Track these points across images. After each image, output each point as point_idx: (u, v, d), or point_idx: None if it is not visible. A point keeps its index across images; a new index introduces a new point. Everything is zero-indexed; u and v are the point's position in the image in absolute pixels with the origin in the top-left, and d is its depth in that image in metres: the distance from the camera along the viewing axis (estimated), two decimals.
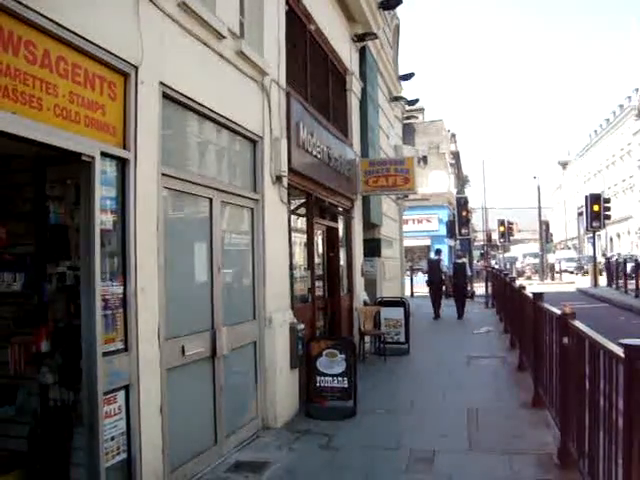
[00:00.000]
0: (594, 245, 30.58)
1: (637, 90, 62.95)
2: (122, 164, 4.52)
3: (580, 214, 32.89)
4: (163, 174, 5.00)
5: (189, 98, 5.46)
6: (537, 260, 45.83)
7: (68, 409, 4.46)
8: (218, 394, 5.91)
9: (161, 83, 4.96)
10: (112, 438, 4.31)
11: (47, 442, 4.56)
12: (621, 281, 25.77)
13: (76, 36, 3.94)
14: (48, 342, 4.52)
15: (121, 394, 4.44)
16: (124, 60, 4.46)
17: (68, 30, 3.86)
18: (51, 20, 3.71)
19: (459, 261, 21.31)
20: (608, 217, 29.92)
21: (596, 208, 29.12)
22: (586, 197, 30.58)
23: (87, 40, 4.03)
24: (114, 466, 4.34)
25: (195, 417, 5.63)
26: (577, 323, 5.05)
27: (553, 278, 41.64)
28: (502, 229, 39.53)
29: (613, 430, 3.77)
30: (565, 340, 5.36)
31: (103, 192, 4.28)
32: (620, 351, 3.53)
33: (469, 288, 26.68)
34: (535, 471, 5.40)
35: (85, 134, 4.11)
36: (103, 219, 4.27)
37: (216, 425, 5.90)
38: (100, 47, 4.17)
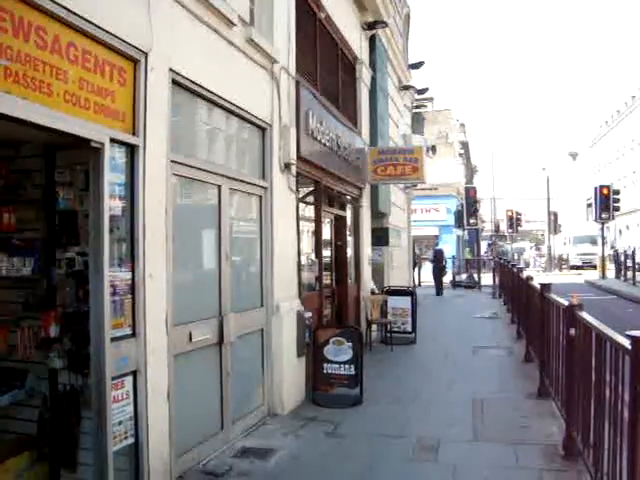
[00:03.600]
0: (602, 237, 30.44)
1: None
2: (131, 150, 4.53)
3: (589, 205, 32.67)
4: (172, 161, 5.01)
5: (198, 85, 5.46)
6: (590, 249, 42.93)
7: (77, 394, 4.49)
8: (225, 381, 5.94)
9: (171, 70, 4.96)
10: (120, 423, 4.35)
11: (56, 426, 4.60)
12: (629, 273, 25.71)
13: (86, 22, 3.94)
14: (57, 327, 4.54)
15: (129, 379, 4.47)
16: (134, 46, 4.46)
17: (78, 16, 3.86)
18: (61, 6, 3.71)
19: (437, 248, 26.85)
20: (617, 209, 29.77)
21: (605, 199, 29.02)
22: (595, 188, 30.40)
23: (97, 26, 4.04)
24: (121, 450, 4.38)
25: (202, 403, 5.67)
26: (584, 314, 5.05)
27: (561, 269, 41.53)
28: (510, 215, 39.39)
29: (618, 421, 3.78)
30: (572, 331, 5.36)
31: (112, 178, 4.29)
32: (627, 342, 3.53)
33: (475, 278, 26.79)
34: (540, 461, 5.42)
35: (94, 120, 4.11)
36: (112, 205, 4.29)
37: (223, 411, 5.94)
38: (110, 33, 4.18)
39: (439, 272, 24.11)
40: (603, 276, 29.45)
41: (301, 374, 7.63)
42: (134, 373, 4.52)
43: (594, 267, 34.99)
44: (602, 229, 30.46)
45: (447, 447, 5.87)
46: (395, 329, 11.94)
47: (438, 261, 24.54)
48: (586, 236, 46.44)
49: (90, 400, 4.25)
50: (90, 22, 3.97)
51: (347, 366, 7.52)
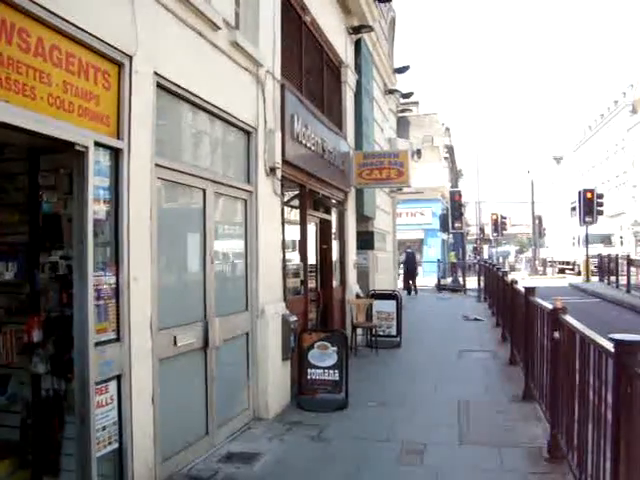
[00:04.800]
0: (587, 240, 30.66)
1: (632, 86, 63.09)
2: (116, 154, 4.51)
3: (573, 209, 32.94)
4: (157, 164, 4.99)
5: (183, 88, 5.44)
6: (602, 250, 33.78)
7: (60, 399, 4.47)
8: (210, 385, 5.92)
9: (155, 73, 4.94)
10: (104, 428, 4.32)
11: (38, 432, 4.56)
12: (613, 277, 25.90)
13: (70, 25, 3.92)
14: (40, 331, 4.51)
15: (113, 384, 4.44)
16: (118, 50, 4.44)
17: (62, 19, 3.84)
18: (45, 8, 3.69)
19: (409, 251, 27.62)
20: (601, 212, 30.03)
21: (589, 203, 29.27)
22: (579, 192, 30.65)
23: (81, 29, 4.01)
24: (105, 456, 4.34)
25: (187, 408, 5.64)
26: (568, 318, 5.08)
27: (545, 273, 41.75)
28: (495, 218, 39.63)
29: (602, 424, 3.81)
30: (556, 334, 5.39)
31: (96, 182, 4.27)
32: (610, 346, 3.56)
33: (461, 281, 26.96)
34: (524, 464, 5.44)
35: (79, 124, 4.09)
36: (96, 209, 4.26)
37: (208, 416, 5.92)
38: (94, 36, 4.16)
39: (410, 274, 25.96)
40: (587, 279, 29.66)
41: (286, 378, 7.62)
42: (118, 378, 4.49)
43: (609, 274, 28.03)
44: (586, 232, 30.66)
45: (432, 450, 5.87)
46: (380, 333, 11.94)
47: (409, 264, 26.11)
48: (597, 235, 38.70)
49: (73, 405, 4.21)
50: (74, 25, 3.94)
51: (331, 371, 7.52)
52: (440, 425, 6.66)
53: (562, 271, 40.73)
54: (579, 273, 29.78)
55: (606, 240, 39.42)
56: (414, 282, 26.05)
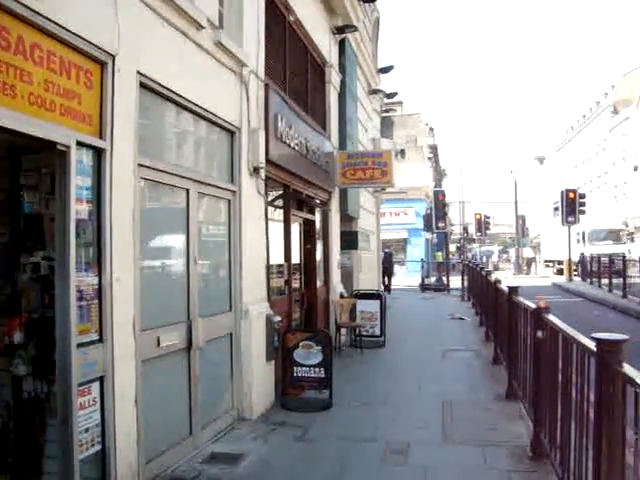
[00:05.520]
0: (569, 240, 30.89)
1: (613, 87, 63.66)
2: (98, 154, 4.47)
3: (556, 209, 33.20)
4: (140, 164, 4.96)
5: (167, 88, 5.41)
6: (613, 248, 29.42)
7: (41, 401, 4.42)
8: (194, 386, 5.89)
9: (138, 72, 4.91)
10: (86, 430, 4.28)
11: (19, 435, 4.52)
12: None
13: (51, 23, 3.88)
14: (21, 333, 4.47)
15: (95, 385, 4.41)
16: (101, 48, 4.41)
17: (43, 17, 3.80)
18: (25, 6, 3.65)
19: (386, 250, 28.19)
20: (583, 212, 30.30)
21: (571, 203, 29.53)
22: (562, 192, 30.93)
23: (63, 27, 3.98)
24: (88, 458, 4.31)
25: (170, 409, 5.61)
26: (551, 317, 5.11)
27: (529, 272, 42.01)
28: (478, 218, 39.81)
29: (584, 422, 3.84)
30: (539, 333, 5.42)
31: (79, 182, 4.24)
32: (592, 345, 3.58)
33: (444, 281, 27.07)
34: (508, 462, 5.47)
35: (60, 123, 4.06)
36: (78, 209, 4.23)
37: (191, 417, 5.89)
38: (76, 35, 4.12)
39: (387, 273, 26.25)
40: (570, 279, 29.90)
41: (270, 378, 7.61)
42: (101, 379, 4.46)
43: (592, 273, 27.43)
44: (569, 232, 30.89)
45: (417, 450, 5.89)
46: (364, 332, 11.95)
47: (386, 263, 26.25)
48: (606, 231, 35.27)
49: (55, 407, 4.18)
50: (56, 23, 3.91)
51: (317, 369, 7.52)
52: (424, 424, 6.67)
53: (561, 272, 35.09)
54: (589, 275, 28.30)
55: (614, 236, 34.89)
56: (389, 281, 26.71)
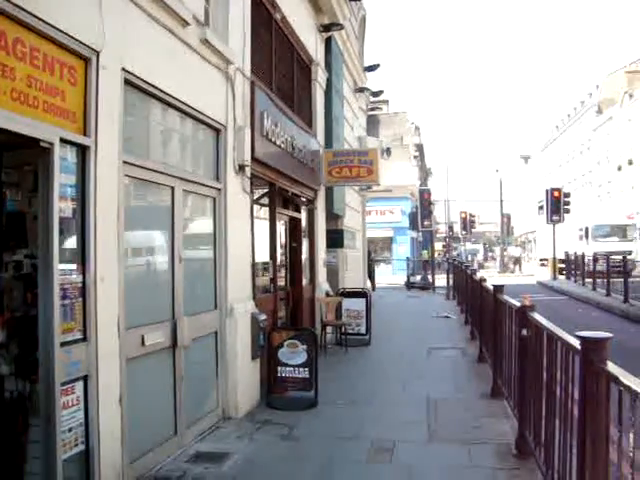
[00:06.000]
0: (554, 238, 31.06)
1: (597, 87, 64.12)
2: (82, 151, 4.43)
3: (541, 207, 33.37)
4: (124, 162, 4.92)
5: (152, 85, 5.37)
6: (619, 246, 28.51)
7: (24, 400, 4.37)
8: (179, 384, 5.86)
9: (123, 69, 4.87)
10: (70, 429, 4.25)
11: (1, 434, 4.47)
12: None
13: (34, 18, 3.83)
14: (4, 332, 4.41)
15: (79, 384, 4.37)
16: (85, 44, 4.36)
17: (26, 11, 3.75)
18: (7, 0, 3.60)
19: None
20: (568, 211, 30.49)
21: (556, 201, 29.72)
22: (546, 191, 31.11)
23: (46, 22, 3.93)
24: (71, 458, 4.27)
25: (155, 408, 5.58)
26: (536, 315, 5.13)
27: (513, 271, 42.22)
28: (463, 216, 39.96)
29: (568, 419, 3.86)
30: (524, 332, 5.44)
31: (62, 179, 4.20)
32: (577, 343, 3.60)
33: (430, 279, 27.16)
34: (493, 461, 5.48)
35: (44, 120, 4.02)
36: (62, 207, 4.19)
37: (176, 416, 5.86)
38: (60, 30, 4.07)
39: (372, 272, 25.98)
40: (555, 277, 30.08)
41: (256, 377, 7.59)
42: (85, 378, 4.42)
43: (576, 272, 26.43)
44: (553, 230, 31.07)
45: (402, 448, 5.89)
46: (350, 331, 11.97)
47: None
48: (611, 226, 32.61)
49: (39, 407, 4.14)
50: (38, 18, 3.86)
51: (301, 369, 7.51)
52: (409, 423, 6.68)
53: (561, 272, 30.98)
54: (573, 274, 27.56)
55: (620, 232, 32.42)
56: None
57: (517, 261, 44.39)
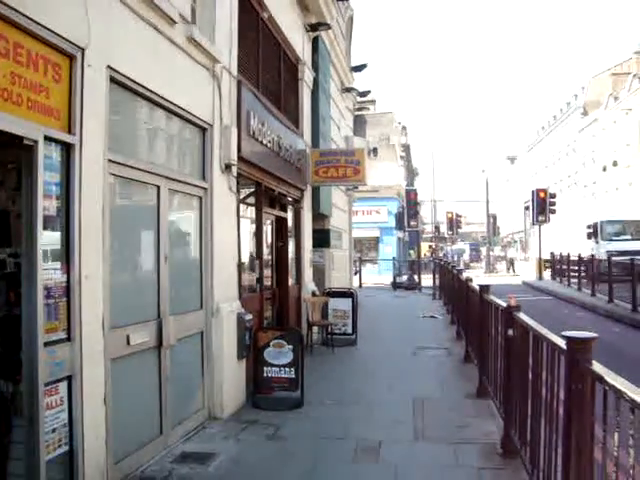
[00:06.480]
0: (540, 239, 31.24)
1: (583, 89, 64.54)
2: (67, 149, 4.40)
3: (527, 208, 33.53)
4: (110, 160, 4.88)
5: (138, 84, 5.34)
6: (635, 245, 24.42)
7: (6, 401, 4.33)
8: (164, 384, 5.83)
9: (109, 67, 4.84)
10: (53, 430, 4.21)
11: None
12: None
13: (18, 14, 3.79)
14: None
15: (63, 385, 4.33)
16: (70, 41, 4.32)
17: (9, 7, 3.70)
18: None
19: None
20: (553, 211, 30.67)
21: (542, 202, 29.89)
22: (532, 191, 31.28)
23: (30, 19, 3.89)
24: (55, 459, 4.24)
25: (140, 408, 5.55)
26: (522, 315, 5.15)
27: (509, 270, 42.51)
28: (450, 217, 40.04)
29: (554, 419, 3.87)
30: (510, 332, 5.45)
31: (46, 177, 4.16)
32: (562, 343, 3.61)
33: (416, 279, 27.22)
34: (479, 460, 5.50)
35: (28, 117, 3.98)
36: (46, 205, 4.15)
37: (162, 416, 5.83)
38: (44, 27, 4.03)
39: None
40: (540, 277, 30.25)
41: (242, 377, 7.57)
42: (69, 378, 4.38)
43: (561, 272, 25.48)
44: (539, 231, 31.24)
45: (388, 448, 5.89)
46: (336, 331, 11.98)
47: None
48: (625, 222, 28.50)
49: (22, 408, 4.10)
50: (22, 14, 3.81)
51: (287, 369, 7.49)
52: (395, 423, 6.69)
53: (562, 273, 27.51)
54: (558, 274, 26.56)
55: (635, 230, 28.13)
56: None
57: (511, 262, 44.57)
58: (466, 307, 10.42)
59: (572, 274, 25.00)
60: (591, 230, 28.66)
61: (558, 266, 28.80)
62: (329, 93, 14.90)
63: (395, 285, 27.86)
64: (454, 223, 40.01)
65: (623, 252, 21.62)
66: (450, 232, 42.70)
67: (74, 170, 4.41)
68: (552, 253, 30.58)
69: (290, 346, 7.53)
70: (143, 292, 5.71)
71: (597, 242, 27.67)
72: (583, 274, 23.07)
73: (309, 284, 12.37)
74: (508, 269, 42.91)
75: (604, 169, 56.89)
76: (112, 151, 4.94)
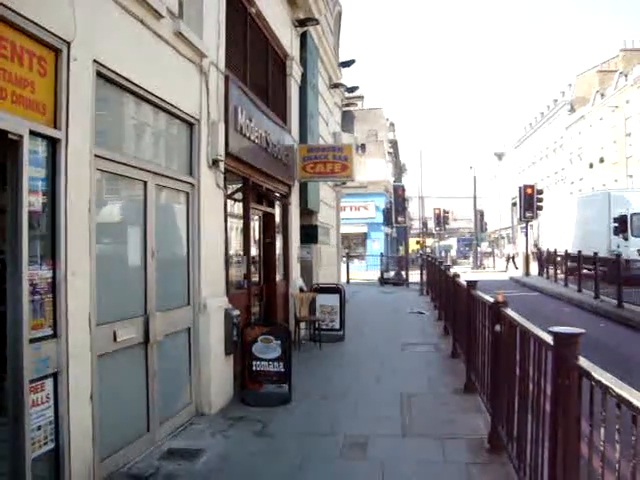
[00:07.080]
0: (526, 235, 31.39)
1: (570, 86, 64.86)
2: (53, 144, 4.36)
3: (514, 204, 33.68)
4: (96, 155, 4.85)
5: (125, 78, 5.30)
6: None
7: None
8: (151, 381, 5.81)
9: (95, 61, 4.80)
10: (39, 428, 4.18)
11: None
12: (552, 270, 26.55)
13: (3, 7, 3.74)
14: None
15: (49, 382, 4.30)
16: (55, 35, 4.28)
17: None
18: None
19: None
20: (541, 207, 30.83)
21: (529, 198, 30.04)
22: (520, 188, 31.40)
23: (14, 11, 3.84)
24: (41, 456, 4.21)
25: (127, 404, 5.52)
26: (509, 311, 5.16)
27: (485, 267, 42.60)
28: (437, 213, 40.17)
29: (540, 414, 3.89)
30: (497, 327, 5.47)
31: (32, 173, 4.12)
32: (549, 338, 3.62)
33: (403, 275, 27.27)
34: (466, 455, 5.52)
35: (12, 111, 3.93)
36: (32, 200, 4.12)
37: (149, 412, 5.81)
38: (29, 20, 3.99)
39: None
40: (527, 273, 30.40)
41: (229, 373, 7.55)
42: (55, 375, 4.35)
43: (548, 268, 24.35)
44: (526, 227, 31.39)
45: (376, 443, 5.90)
46: (324, 326, 11.96)
47: None
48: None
49: (6, 405, 4.06)
50: (6, 7, 3.77)
51: (276, 363, 7.48)
52: (383, 418, 6.69)
53: (572, 272, 23.27)
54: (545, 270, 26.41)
55: None
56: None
57: (509, 258, 44.60)
58: (454, 303, 10.45)
59: (559, 271, 24.98)
60: (617, 224, 23.53)
61: (546, 263, 28.91)
62: (317, 89, 14.87)
63: (382, 281, 27.90)
64: (441, 219, 40.15)
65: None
66: (438, 228, 42.84)
67: (60, 165, 4.38)
68: (539, 249, 30.71)
69: (278, 341, 7.52)
70: (130, 288, 5.68)
71: (626, 238, 23.36)
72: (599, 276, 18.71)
73: (297, 280, 12.36)
74: (507, 265, 42.71)
75: (591, 166, 57.30)
76: (98, 146, 4.91)
